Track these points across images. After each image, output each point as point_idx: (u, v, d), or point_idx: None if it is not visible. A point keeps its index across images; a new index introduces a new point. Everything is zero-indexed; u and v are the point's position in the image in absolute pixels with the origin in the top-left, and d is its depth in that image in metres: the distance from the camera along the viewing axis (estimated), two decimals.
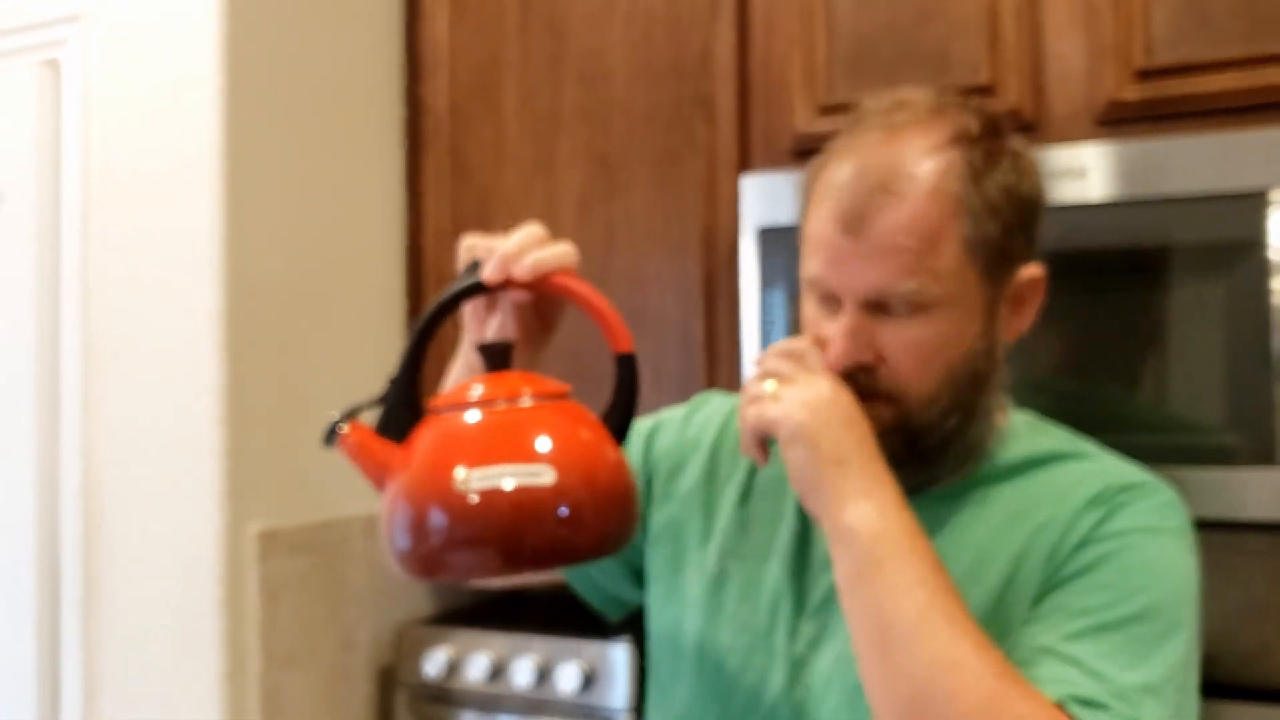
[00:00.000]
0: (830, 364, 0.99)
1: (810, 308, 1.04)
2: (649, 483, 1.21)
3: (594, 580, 1.25)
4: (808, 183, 1.05)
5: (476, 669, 1.94)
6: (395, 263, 2.18)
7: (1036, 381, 1.58)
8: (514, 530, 0.85)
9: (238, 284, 1.85)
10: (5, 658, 1.99)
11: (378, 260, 2.14)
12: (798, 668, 1.05)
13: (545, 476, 0.86)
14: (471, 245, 1.01)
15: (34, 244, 1.97)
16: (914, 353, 0.99)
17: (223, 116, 1.83)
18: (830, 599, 1.05)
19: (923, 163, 0.97)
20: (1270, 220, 1.42)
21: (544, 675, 1.89)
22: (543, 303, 1.04)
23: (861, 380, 0.99)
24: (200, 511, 1.83)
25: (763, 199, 1.71)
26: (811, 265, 1.01)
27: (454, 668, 1.98)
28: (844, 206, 0.98)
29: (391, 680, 2.08)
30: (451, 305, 0.99)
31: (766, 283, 1.70)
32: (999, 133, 1.02)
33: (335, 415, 0.97)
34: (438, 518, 0.86)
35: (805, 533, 1.09)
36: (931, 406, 1.00)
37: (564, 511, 0.86)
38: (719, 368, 1.86)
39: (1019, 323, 1.05)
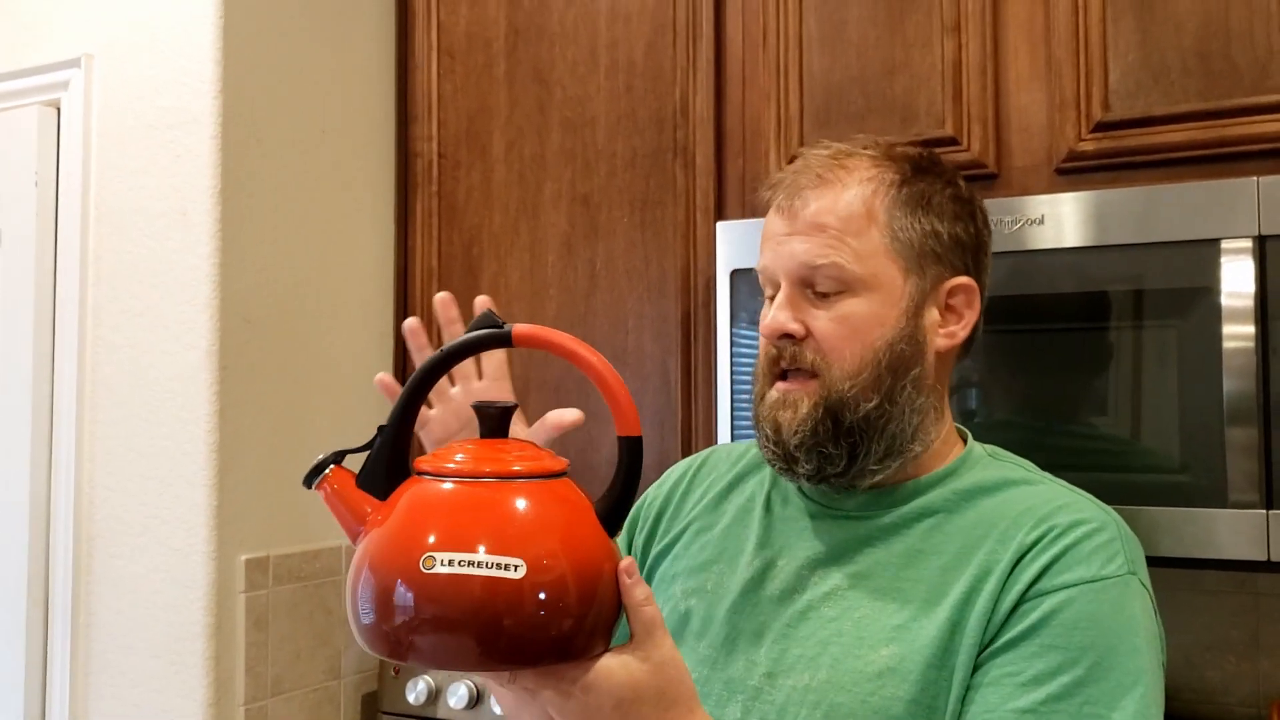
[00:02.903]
0: (764, 334, 1.10)
1: (764, 310, 1.12)
2: (630, 539, 1.26)
3: None
4: (767, 201, 1.15)
5: (457, 697, 1.99)
6: (385, 301, 2.23)
7: (999, 421, 1.63)
8: (477, 623, 0.78)
9: (230, 319, 1.91)
10: None
11: (368, 298, 2.20)
12: (753, 699, 1.07)
13: (517, 570, 0.79)
14: (482, 300, 1.06)
15: (32, 278, 2.03)
16: (837, 328, 1.07)
17: (218, 158, 1.90)
18: (786, 635, 1.08)
19: (860, 165, 1.10)
20: (1222, 268, 1.47)
21: None
22: None
23: (789, 352, 1.08)
24: (189, 539, 1.88)
25: (736, 242, 1.77)
26: (760, 260, 1.12)
27: (435, 696, 2.02)
28: (783, 195, 1.11)
29: (375, 707, 2.12)
30: (458, 354, 0.91)
31: (739, 321, 1.76)
32: (939, 164, 1.14)
33: (320, 456, 0.91)
34: (400, 596, 0.79)
35: (764, 569, 1.12)
36: (851, 383, 1.06)
37: (534, 608, 0.79)
38: (695, 403, 1.92)
39: (952, 329, 1.11)
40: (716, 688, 1.09)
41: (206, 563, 1.86)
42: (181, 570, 1.88)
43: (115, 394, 1.97)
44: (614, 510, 0.89)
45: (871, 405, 1.06)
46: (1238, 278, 1.46)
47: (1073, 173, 1.66)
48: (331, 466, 0.90)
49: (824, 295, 1.07)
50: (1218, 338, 1.47)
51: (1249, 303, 1.45)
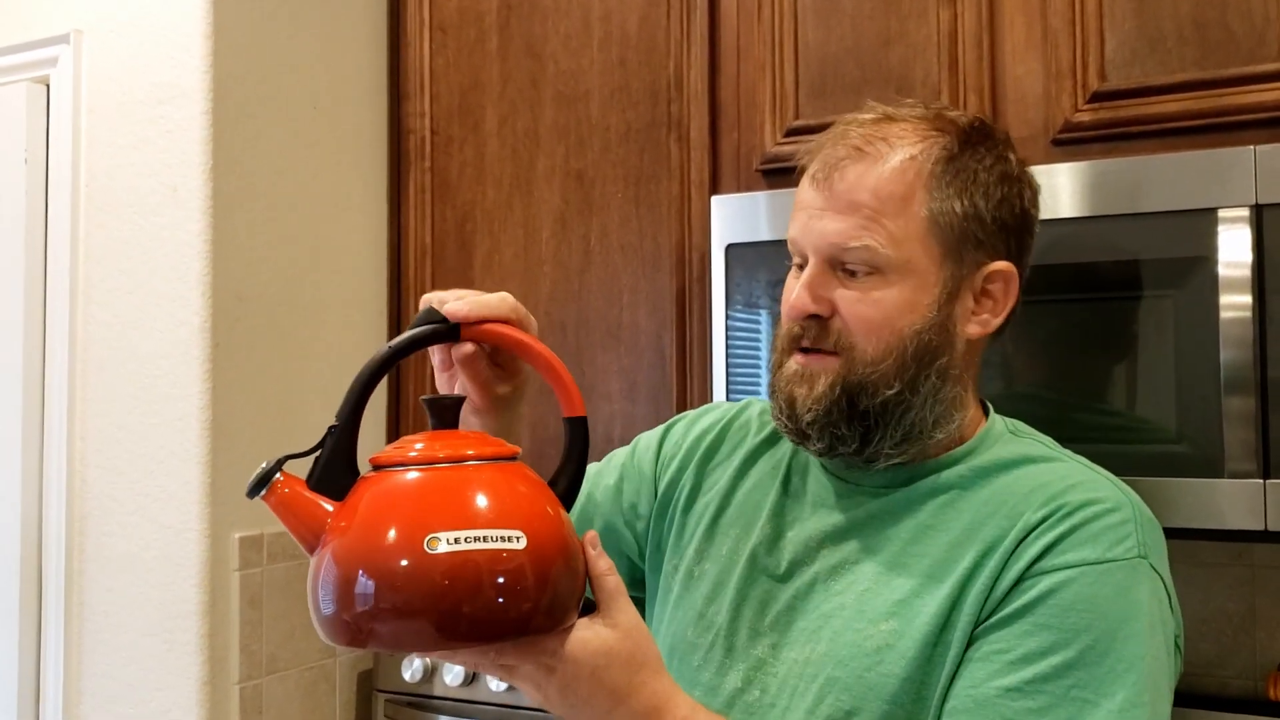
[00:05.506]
0: (788, 313, 1.05)
1: (789, 280, 1.08)
2: (655, 481, 1.23)
3: None
4: (801, 166, 1.10)
5: (452, 675, 1.98)
6: (378, 278, 2.22)
7: (993, 394, 1.62)
8: (451, 599, 0.80)
9: (222, 297, 1.89)
10: None
11: (361, 275, 2.19)
12: (755, 669, 1.07)
13: (491, 543, 0.81)
14: (427, 297, 1.03)
15: (22, 256, 2.02)
16: (865, 311, 1.02)
17: (208, 134, 1.88)
18: (793, 606, 1.07)
19: (904, 138, 1.04)
20: (1219, 238, 1.46)
21: None
22: (497, 356, 1.06)
23: (813, 332, 1.04)
24: (182, 517, 1.87)
25: (731, 217, 1.76)
26: (789, 229, 1.07)
27: (430, 674, 2.02)
28: (818, 165, 1.05)
29: (370, 686, 2.12)
30: (404, 351, 0.94)
31: (734, 297, 1.75)
32: (990, 135, 1.07)
33: (264, 465, 0.88)
34: (367, 582, 0.80)
35: (775, 540, 1.12)
36: (874, 368, 1.02)
37: (504, 581, 0.81)
38: (690, 377, 1.91)
39: (986, 317, 1.07)
40: (719, 654, 1.09)
41: (200, 540, 1.86)
42: (175, 548, 1.87)
43: (106, 372, 1.95)
44: (569, 488, 0.94)
45: (892, 392, 1.03)
46: (1235, 247, 1.45)
47: (1069, 143, 1.65)
48: (280, 474, 0.88)
49: (853, 274, 1.03)
50: (1215, 307, 1.46)
51: (1246, 272, 1.44)
